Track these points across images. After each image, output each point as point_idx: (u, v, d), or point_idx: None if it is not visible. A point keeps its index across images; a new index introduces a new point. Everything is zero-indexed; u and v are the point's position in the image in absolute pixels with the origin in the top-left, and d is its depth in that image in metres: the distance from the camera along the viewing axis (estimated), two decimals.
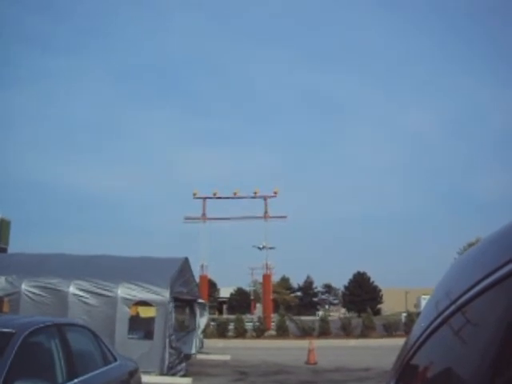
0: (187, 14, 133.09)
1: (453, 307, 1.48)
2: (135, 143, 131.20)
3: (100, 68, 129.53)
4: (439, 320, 1.58)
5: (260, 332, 32.48)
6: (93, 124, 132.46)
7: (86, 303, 15.81)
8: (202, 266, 45.92)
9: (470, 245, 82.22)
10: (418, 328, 1.86)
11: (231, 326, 32.76)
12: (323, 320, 33.70)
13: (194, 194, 47.89)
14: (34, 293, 15.90)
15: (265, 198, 47.88)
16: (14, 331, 4.67)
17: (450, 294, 1.54)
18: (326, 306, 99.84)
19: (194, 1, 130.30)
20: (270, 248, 50.22)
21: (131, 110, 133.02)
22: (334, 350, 23.55)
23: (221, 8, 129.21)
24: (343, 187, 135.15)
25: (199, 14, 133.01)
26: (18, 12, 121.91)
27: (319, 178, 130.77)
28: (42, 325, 5.37)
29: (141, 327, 16.61)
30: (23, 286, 15.88)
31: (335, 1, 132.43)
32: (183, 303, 19.97)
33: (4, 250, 36.81)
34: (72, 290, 15.91)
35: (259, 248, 51.28)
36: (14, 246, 39.91)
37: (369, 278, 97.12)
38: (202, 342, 21.60)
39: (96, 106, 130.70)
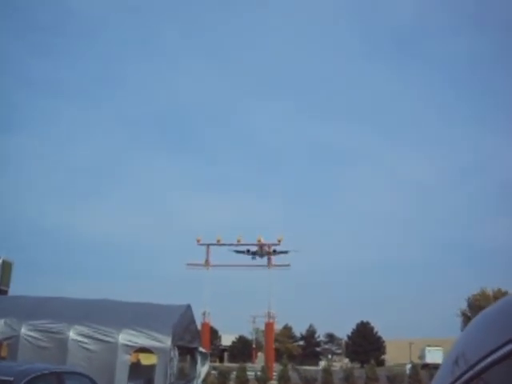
0: (193, 62, 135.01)
1: (471, 372, 1.41)
2: (137, 189, 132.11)
3: (103, 114, 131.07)
4: None
5: (262, 382, 31.90)
6: (95, 169, 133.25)
7: (85, 349, 15.53)
8: (204, 313, 45.50)
9: (474, 296, 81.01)
10: None
11: (233, 375, 32.23)
12: (326, 371, 33.14)
13: (198, 241, 47.84)
14: (33, 337, 15.63)
15: (269, 247, 47.72)
16: (11, 379, 4.55)
17: (468, 358, 1.48)
18: (329, 356, 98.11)
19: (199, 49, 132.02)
20: (274, 252, 47.36)
21: (134, 156, 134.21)
22: None
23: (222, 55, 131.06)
24: (346, 235, 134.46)
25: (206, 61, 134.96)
26: (23, 56, 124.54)
27: (321, 226, 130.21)
28: (40, 373, 5.25)
29: (141, 375, 16.29)
30: (22, 330, 15.64)
31: (337, 54, 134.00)
32: (184, 351, 19.64)
33: (5, 293, 36.45)
34: (72, 334, 15.66)
35: (249, 252, 48.55)
36: (16, 289, 39.61)
37: (372, 328, 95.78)
38: None
39: (99, 152, 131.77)
